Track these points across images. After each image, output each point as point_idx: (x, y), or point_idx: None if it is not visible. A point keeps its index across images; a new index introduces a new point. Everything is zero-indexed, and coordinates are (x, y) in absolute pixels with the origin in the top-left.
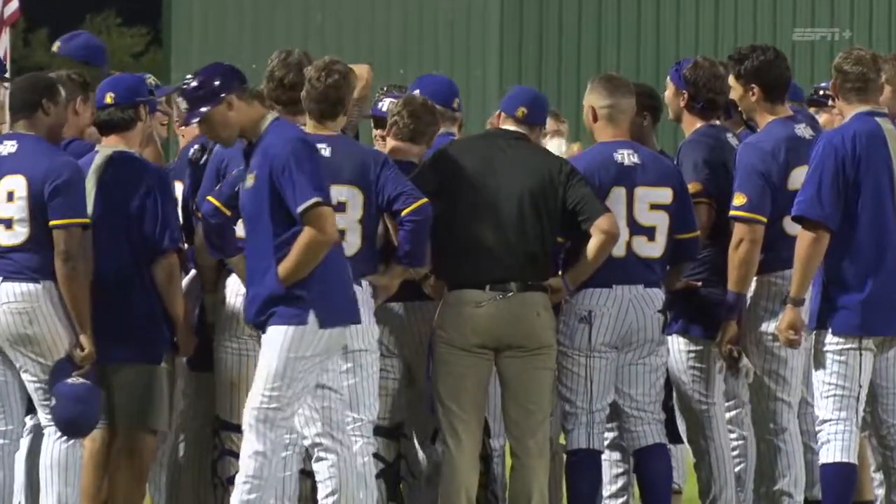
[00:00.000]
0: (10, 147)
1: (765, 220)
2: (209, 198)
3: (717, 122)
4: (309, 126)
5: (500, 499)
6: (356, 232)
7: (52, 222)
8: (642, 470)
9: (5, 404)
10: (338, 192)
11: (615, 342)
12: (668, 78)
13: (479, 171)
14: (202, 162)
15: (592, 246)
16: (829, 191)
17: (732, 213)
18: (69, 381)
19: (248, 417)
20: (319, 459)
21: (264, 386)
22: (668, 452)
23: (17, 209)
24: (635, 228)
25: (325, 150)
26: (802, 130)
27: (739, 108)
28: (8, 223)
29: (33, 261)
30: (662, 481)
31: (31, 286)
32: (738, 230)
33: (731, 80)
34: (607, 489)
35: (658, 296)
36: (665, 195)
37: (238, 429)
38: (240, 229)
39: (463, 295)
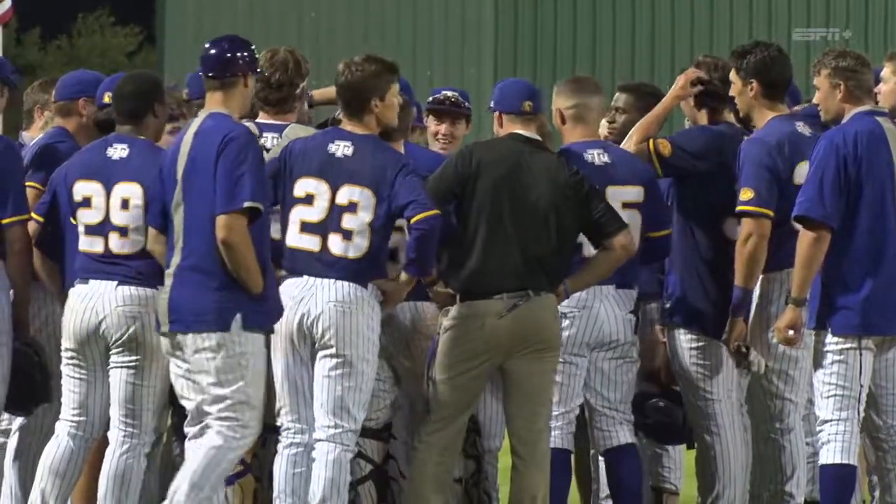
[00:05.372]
0: (120, 151)
1: (772, 214)
2: None
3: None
4: (345, 123)
5: (493, 499)
6: (364, 235)
7: None
8: (613, 470)
9: (85, 406)
10: (350, 193)
11: (586, 343)
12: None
13: (503, 180)
14: None
15: (607, 259)
16: (830, 190)
17: (740, 207)
18: None
19: None
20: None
21: None
22: (638, 453)
23: (133, 217)
24: None
25: (346, 149)
26: (802, 128)
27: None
28: (123, 231)
29: (149, 267)
30: (633, 481)
31: (147, 291)
32: (747, 225)
33: (732, 74)
34: (604, 490)
35: (630, 297)
36: (636, 194)
37: None
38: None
39: (481, 306)
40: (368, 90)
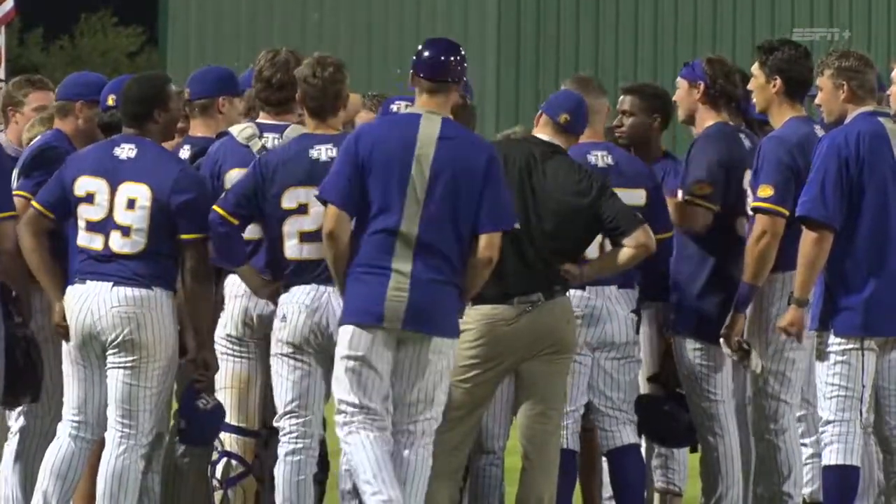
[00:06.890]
0: (128, 151)
1: (787, 213)
2: (215, 207)
3: (731, 123)
4: (309, 126)
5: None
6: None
7: (183, 236)
8: (616, 470)
9: (84, 407)
10: None
11: (589, 343)
12: (680, 77)
13: (512, 183)
14: (194, 164)
15: (624, 255)
16: (832, 191)
17: (756, 204)
18: (200, 403)
19: None
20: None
21: None
22: (641, 453)
23: (138, 218)
24: None
25: (329, 152)
26: (819, 131)
27: (753, 101)
28: (126, 230)
29: (147, 268)
30: (636, 481)
31: (142, 292)
32: (761, 222)
33: (756, 68)
34: (607, 490)
35: (631, 297)
36: (639, 196)
37: (237, 430)
38: (249, 232)
39: (491, 311)
40: (344, 88)
